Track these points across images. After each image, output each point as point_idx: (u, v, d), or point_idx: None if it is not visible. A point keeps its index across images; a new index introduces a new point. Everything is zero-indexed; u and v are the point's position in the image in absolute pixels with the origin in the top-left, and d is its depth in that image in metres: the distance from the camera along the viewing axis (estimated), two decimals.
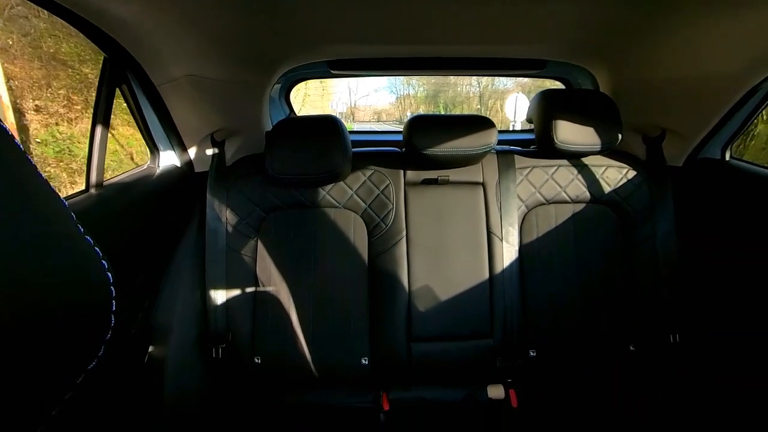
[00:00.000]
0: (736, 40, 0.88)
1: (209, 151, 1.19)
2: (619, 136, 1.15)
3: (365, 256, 1.17)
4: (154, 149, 1.13)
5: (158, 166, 1.14)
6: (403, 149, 1.23)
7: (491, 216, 1.19)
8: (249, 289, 1.15)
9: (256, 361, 1.14)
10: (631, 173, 1.21)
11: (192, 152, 1.21)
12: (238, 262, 1.15)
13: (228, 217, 1.15)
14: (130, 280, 0.98)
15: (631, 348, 1.18)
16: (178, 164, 1.18)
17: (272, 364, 1.14)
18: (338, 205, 1.18)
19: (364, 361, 1.14)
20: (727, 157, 1.21)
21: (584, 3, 0.88)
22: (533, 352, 1.17)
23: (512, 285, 1.17)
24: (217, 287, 1.13)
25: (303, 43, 1.07)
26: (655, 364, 1.19)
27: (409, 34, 1.04)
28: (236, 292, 1.14)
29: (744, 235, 1.11)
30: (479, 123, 1.14)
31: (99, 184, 0.92)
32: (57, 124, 3.08)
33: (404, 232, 1.17)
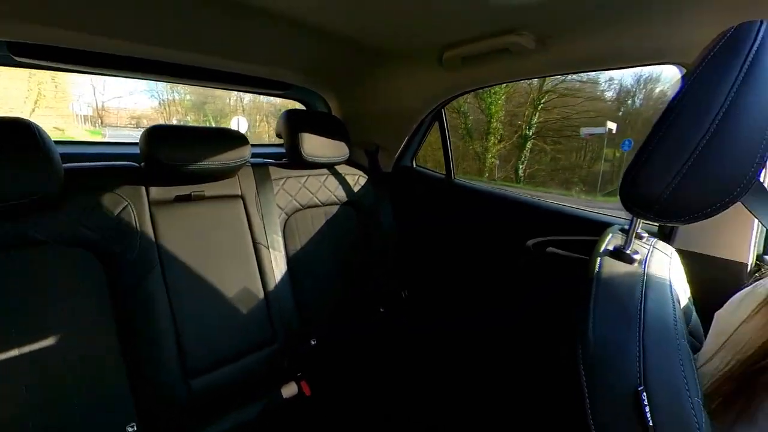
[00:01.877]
0: (415, 88, 1.35)
1: None
2: (349, 150, 1.45)
3: (106, 300, 0.94)
4: None
5: None
6: (142, 164, 1.07)
7: (255, 226, 1.23)
8: None
9: None
10: (362, 179, 1.56)
11: None
12: None
13: None
14: None
15: (381, 310, 1.53)
16: None
17: None
18: (49, 240, 0.89)
19: (130, 429, 0.93)
20: (414, 165, 1.77)
21: (314, 47, 1.08)
22: (314, 341, 1.32)
23: (284, 287, 1.26)
24: None
25: None
26: (396, 314, 1.59)
27: (130, 27, 0.91)
28: None
29: (429, 215, 1.66)
30: (231, 137, 1.15)
31: None
32: None
33: (157, 260, 1.02)
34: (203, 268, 1.11)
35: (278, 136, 1.39)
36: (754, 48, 0.36)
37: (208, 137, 1.10)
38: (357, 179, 1.55)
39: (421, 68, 1.23)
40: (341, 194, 1.48)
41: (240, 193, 1.23)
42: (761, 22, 0.37)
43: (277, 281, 1.24)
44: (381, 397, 1.34)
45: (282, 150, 1.41)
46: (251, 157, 1.20)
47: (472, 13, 0.86)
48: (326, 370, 1.37)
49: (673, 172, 0.38)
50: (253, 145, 1.18)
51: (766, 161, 0.37)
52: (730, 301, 0.50)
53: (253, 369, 1.15)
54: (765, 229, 0.78)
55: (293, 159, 1.34)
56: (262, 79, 1.34)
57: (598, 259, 0.50)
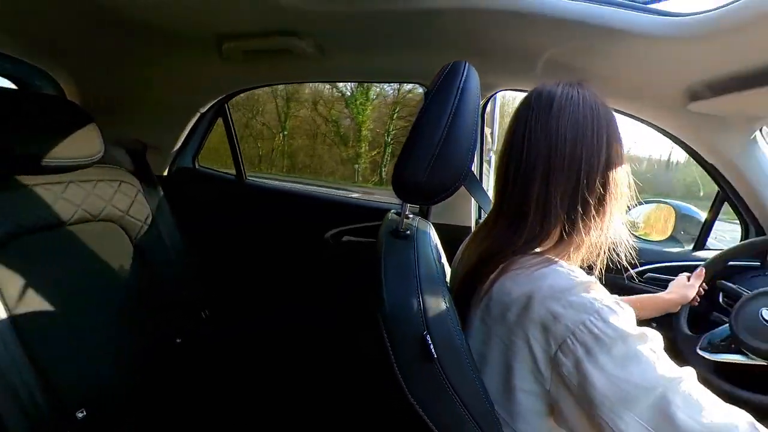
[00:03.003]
0: (192, 78, 1.18)
1: None
2: (102, 148, 1.12)
3: None
4: None
5: None
6: None
7: None
8: None
9: None
10: (125, 186, 1.24)
11: None
12: None
13: None
14: None
15: (178, 341, 1.27)
16: None
17: None
18: None
19: None
20: (197, 165, 1.57)
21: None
22: (82, 412, 0.95)
23: (12, 354, 0.85)
24: None
25: None
26: (197, 340, 1.37)
27: None
28: None
29: (221, 220, 1.51)
30: None
31: None
32: None
33: None
34: None
35: None
36: (463, 79, 0.53)
37: None
38: (119, 187, 1.22)
39: (198, 56, 1.09)
40: (95, 207, 1.13)
41: None
42: (465, 63, 0.54)
43: None
44: None
45: None
46: None
47: (251, 7, 0.84)
48: None
49: (425, 166, 0.51)
50: None
51: (474, 156, 0.54)
52: (459, 250, 0.73)
53: None
54: (477, 203, 1.15)
55: (2, 161, 0.93)
56: None
57: (383, 239, 0.60)
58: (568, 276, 0.44)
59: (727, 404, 0.40)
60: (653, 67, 0.85)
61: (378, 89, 6.20)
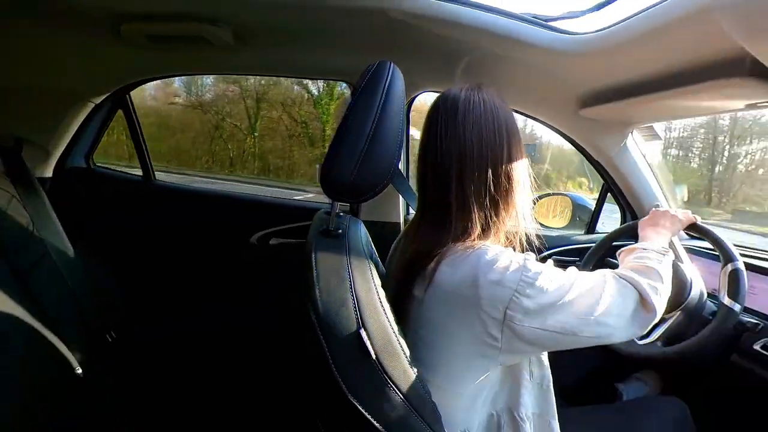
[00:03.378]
0: (83, 62, 1.02)
1: None
2: None
3: None
4: None
5: None
6: None
7: None
8: None
9: None
10: None
11: None
12: None
13: None
14: None
15: (78, 371, 1.08)
16: None
17: None
18: None
19: None
20: (92, 165, 1.36)
21: None
22: None
23: None
24: None
25: None
26: (102, 368, 1.18)
27: None
28: None
29: (124, 227, 1.33)
30: None
31: None
32: None
33: None
34: None
35: None
36: (389, 78, 0.54)
37: None
38: None
39: (90, 37, 0.93)
40: None
41: None
42: (390, 63, 0.56)
43: None
44: None
45: None
46: None
47: None
48: None
49: (353, 164, 0.51)
50: None
51: (401, 155, 0.56)
52: (392, 247, 0.75)
53: None
54: (405, 200, 1.19)
55: None
56: None
57: (313, 239, 0.59)
58: (494, 251, 0.51)
59: (594, 272, 0.55)
60: (552, 76, 0.97)
61: (340, 88, 6.12)
